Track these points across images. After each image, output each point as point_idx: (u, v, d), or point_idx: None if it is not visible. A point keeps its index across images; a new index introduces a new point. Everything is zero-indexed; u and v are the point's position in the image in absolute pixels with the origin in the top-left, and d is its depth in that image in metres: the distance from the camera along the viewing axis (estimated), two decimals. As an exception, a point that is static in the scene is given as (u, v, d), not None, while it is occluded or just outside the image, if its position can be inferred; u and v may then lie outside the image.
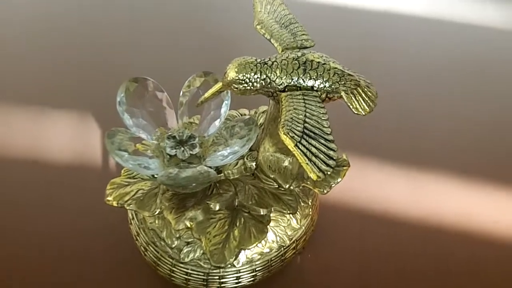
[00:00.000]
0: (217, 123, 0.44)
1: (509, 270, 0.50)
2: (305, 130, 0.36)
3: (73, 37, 0.68)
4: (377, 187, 0.54)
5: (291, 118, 0.36)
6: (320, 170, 0.35)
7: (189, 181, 0.37)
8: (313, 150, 0.35)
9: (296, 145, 0.35)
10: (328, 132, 0.36)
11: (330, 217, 0.52)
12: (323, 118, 0.37)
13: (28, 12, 0.72)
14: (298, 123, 0.36)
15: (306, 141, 0.35)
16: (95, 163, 0.55)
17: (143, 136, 0.41)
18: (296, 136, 0.35)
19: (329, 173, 0.35)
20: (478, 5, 0.74)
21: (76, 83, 0.62)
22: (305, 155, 0.35)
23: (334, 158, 0.35)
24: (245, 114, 0.48)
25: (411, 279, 0.49)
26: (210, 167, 0.41)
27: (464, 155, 0.58)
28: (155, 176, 0.40)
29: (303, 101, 0.38)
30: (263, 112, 0.47)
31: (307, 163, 0.35)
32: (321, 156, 0.35)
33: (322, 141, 0.36)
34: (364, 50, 0.66)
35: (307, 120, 0.37)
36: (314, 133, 0.36)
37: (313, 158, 0.35)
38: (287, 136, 0.35)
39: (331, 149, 0.36)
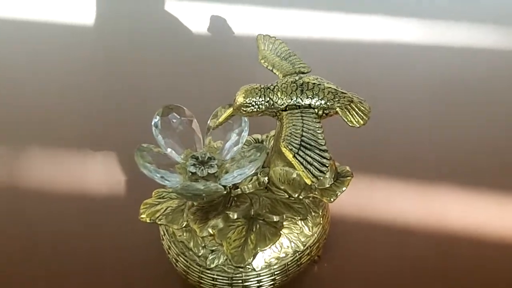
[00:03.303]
0: (235, 148, 0.50)
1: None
2: (302, 143, 0.42)
3: (108, 71, 0.77)
4: (384, 199, 0.59)
5: (290, 133, 0.43)
6: (314, 176, 0.41)
7: (199, 192, 0.44)
8: (309, 159, 0.41)
9: (294, 156, 0.41)
10: (322, 144, 0.42)
11: (342, 228, 0.57)
12: (318, 132, 0.43)
13: (64, 43, 0.81)
14: (296, 136, 0.42)
15: (303, 152, 0.42)
16: (129, 190, 0.62)
17: (171, 155, 0.48)
18: (294, 148, 0.42)
19: (321, 178, 0.41)
20: (472, 28, 0.80)
21: (110, 113, 0.71)
22: (302, 164, 0.41)
23: (327, 165, 0.41)
24: (258, 139, 0.54)
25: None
26: (224, 186, 0.47)
27: (469, 165, 0.63)
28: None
29: (301, 118, 0.44)
30: (273, 136, 0.54)
31: (303, 170, 0.41)
32: (316, 164, 0.41)
33: (317, 151, 0.42)
34: (368, 77, 0.73)
35: (304, 134, 0.43)
36: (310, 144, 0.42)
37: (308, 166, 0.41)
38: (286, 148, 0.42)
39: (324, 158, 0.42)
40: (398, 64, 0.76)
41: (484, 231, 0.57)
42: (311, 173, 0.41)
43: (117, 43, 0.82)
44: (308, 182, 0.41)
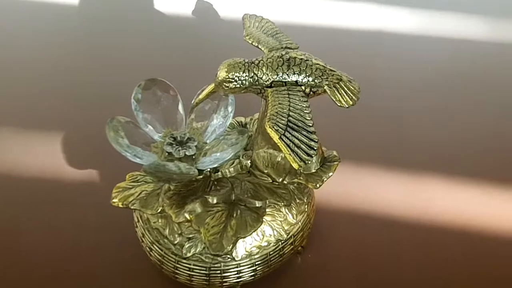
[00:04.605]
0: (219, 130, 0.47)
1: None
2: (288, 123, 0.39)
3: (92, 47, 0.75)
4: (372, 186, 0.57)
5: (276, 112, 0.40)
6: (301, 159, 0.38)
7: (169, 173, 0.40)
8: (296, 141, 0.38)
9: (280, 137, 0.38)
10: (310, 124, 0.39)
11: (327, 217, 0.54)
12: (306, 112, 0.40)
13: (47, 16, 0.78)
14: (283, 116, 0.39)
15: (290, 133, 0.38)
16: (102, 173, 0.58)
17: (150, 133, 0.44)
18: (280, 129, 0.38)
19: (309, 162, 0.38)
20: (464, 19, 0.78)
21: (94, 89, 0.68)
22: (288, 146, 0.38)
23: (315, 148, 0.38)
24: (241, 122, 0.51)
25: (408, 277, 0.51)
26: (201, 170, 0.44)
27: (457, 152, 0.60)
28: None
29: (287, 95, 0.41)
30: (257, 119, 0.50)
31: (290, 154, 0.38)
32: (303, 146, 0.38)
33: (304, 133, 0.39)
34: (359, 62, 0.70)
35: (291, 113, 0.40)
36: (297, 125, 0.39)
37: (295, 149, 0.38)
38: (272, 129, 0.38)
39: (312, 140, 0.38)
40: (389, 50, 0.74)
41: (472, 224, 0.54)
42: (299, 156, 0.38)
43: (100, 21, 0.79)
44: (296, 166, 0.38)
